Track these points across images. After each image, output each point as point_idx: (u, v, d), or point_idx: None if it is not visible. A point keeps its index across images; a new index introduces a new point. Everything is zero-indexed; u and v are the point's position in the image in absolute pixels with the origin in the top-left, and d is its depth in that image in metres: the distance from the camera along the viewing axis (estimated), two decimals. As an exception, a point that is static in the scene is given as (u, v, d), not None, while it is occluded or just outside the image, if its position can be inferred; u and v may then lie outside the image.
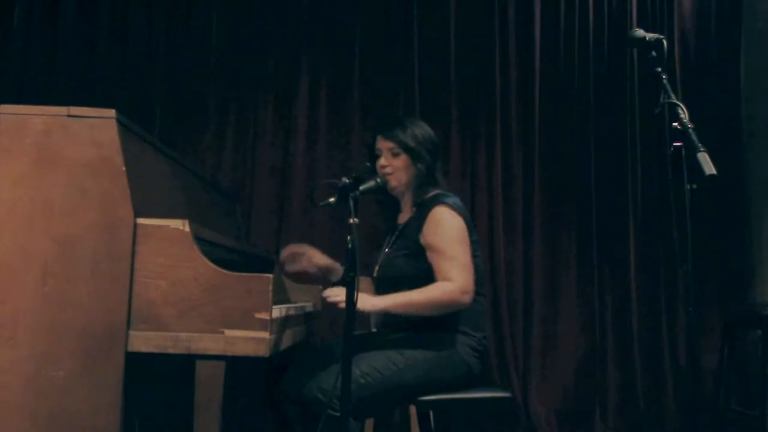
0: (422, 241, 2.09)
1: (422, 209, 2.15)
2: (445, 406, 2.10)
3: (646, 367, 3.47)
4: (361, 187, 1.93)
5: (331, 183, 1.99)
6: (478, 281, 2.19)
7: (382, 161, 2.18)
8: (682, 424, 3.38)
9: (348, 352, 1.69)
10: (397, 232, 2.23)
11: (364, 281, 2.28)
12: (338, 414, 1.77)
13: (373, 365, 1.97)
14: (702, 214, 3.40)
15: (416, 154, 2.16)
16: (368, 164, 2.05)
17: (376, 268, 2.22)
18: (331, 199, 1.90)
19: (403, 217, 2.27)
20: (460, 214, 2.12)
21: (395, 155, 2.17)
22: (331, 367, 1.96)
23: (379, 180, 2.05)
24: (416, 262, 2.10)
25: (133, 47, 3.40)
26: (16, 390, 1.66)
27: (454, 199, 2.16)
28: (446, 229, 2.08)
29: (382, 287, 2.19)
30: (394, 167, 2.17)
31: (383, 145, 2.19)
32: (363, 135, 3.42)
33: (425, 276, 2.06)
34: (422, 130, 2.21)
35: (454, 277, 2.01)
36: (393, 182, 2.18)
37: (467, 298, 2.02)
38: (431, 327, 2.10)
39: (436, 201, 2.13)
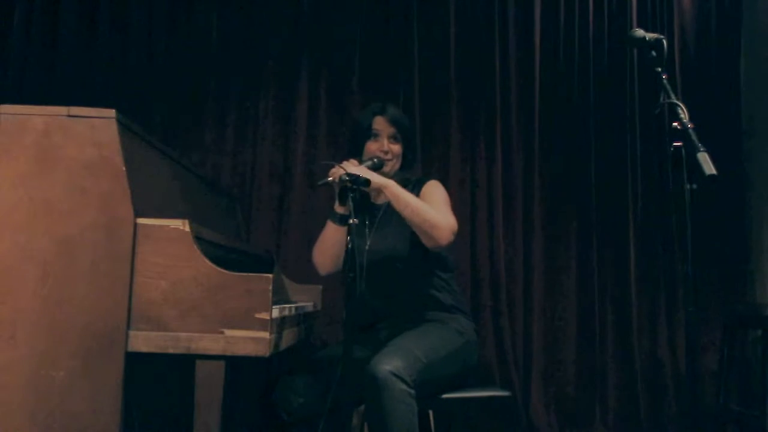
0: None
1: (414, 185, 2.24)
2: (445, 406, 2.10)
3: (646, 367, 3.47)
4: (362, 164, 2.06)
5: (329, 164, 2.06)
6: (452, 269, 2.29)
7: (384, 145, 2.21)
8: (682, 424, 3.38)
9: (348, 351, 1.69)
10: (380, 213, 2.26)
11: None
12: (412, 390, 1.81)
13: (430, 346, 1.97)
14: (702, 214, 3.40)
15: (410, 144, 2.28)
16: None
17: (366, 248, 2.19)
18: (330, 179, 1.97)
19: (380, 198, 2.28)
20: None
21: (395, 141, 2.22)
22: (402, 351, 1.92)
23: (376, 160, 2.11)
24: (408, 240, 2.14)
25: (133, 47, 3.40)
26: (16, 390, 1.66)
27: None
28: (441, 192, 2.21)
29: (376, 266, 2.15)
30: (393, 153, 2.23)
31: (385, 128, 2.23)
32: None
33: (418, 255, 2.11)
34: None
35: (448, 217, 2.09)
36: (389, 167, 2.23)
37: (450, 239, 2.06)
38: (434, 314, 2.12)
39: (428, 178, 2.27)
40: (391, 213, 2.20)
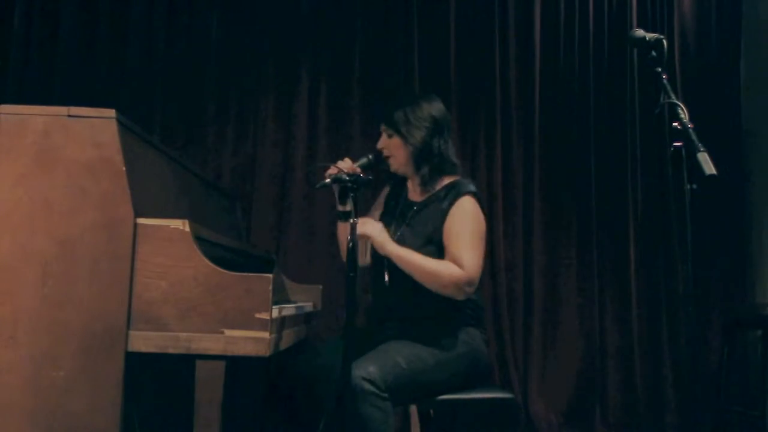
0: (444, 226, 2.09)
1: (446, 196, 2.13)
2: (446, 407, 2.10)
3: (646, 367, 3.47)
4: (355, 164, 1.96)
5: (326, 166, 2.03)
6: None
7: (379, 143, 2.21)
8: (682, 424, 3.38)
9: (348, 352, 1.69)
10: (411, 211, 2.20)
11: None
12: (384, 394, 1.82)
13: (416, 353, 1.97)
14: (702, 214, 3.40)
15: (404, 135, 2.15)
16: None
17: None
18: (327, 180, 1.94)
19: (415, 195, 2.25)
20: (483, 210, 2.15)
21: (389, 137, 2.20)
22: (382, 354, 1.94)
23: (371, 156, 2.08)
24: (434, 249, 2.09)
25: (133, 47, 3.40)
26: (16, 390, 1.66)
27: (473, 186, 2.17)
28: (471, 221, 2.09)
29: (390, 265, 2.14)
30: (389, 149, 2.19)
31: (382, 127, 2.23)
32: (363, 135, 3.43)
33: (439, 258, 2.07)
34: (419, 108, 2.18)
35: (466, 265, 2.01)
36: (393, 164, 2.21)
37: (467, 292, 2.03)
38: (443, 321, 2.10)
39: (464, 189, 2.13)
40: (422, 211, 2.17)
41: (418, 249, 2.09)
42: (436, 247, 2.10)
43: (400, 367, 1.90)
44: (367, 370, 1.85)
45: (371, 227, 2.02)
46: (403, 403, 2.02)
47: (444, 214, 2.11)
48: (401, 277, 2.13)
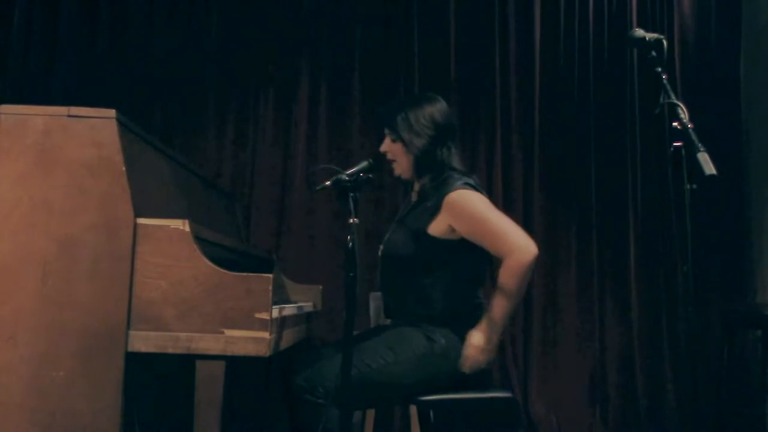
0: (446, 230, 2.03)
1: (431, 198, 2.07)
2: (446, 406, 2.09)
3: (646, 367, 3.47)
4: (354, 168, 1.91)
5: (327, 168, 2.01)
6: (480, 281, 2.19)
7: (382, 146, 2.18)
8: (682, 424, 3.38)
9: (348, 351, 1.69)
10: (408, 209, 2.20)
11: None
12: (320, 401, 1.85)
13: (362, 357, 1.93)
14: (702, 214, 3.40)
15: (406, 142, 2.11)
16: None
17: (381, 246, 2.19)
18: (327, 183, 1.89)
19: (415, 195, 2.23)
20: (472, 189, 2.05)
21: (393, 141, 2.15)
22: (325, 360, 1.96)
23: (371, 160, 2.03)
24: (414, 245, 2.06)
25: (133, 47, 3.40)
26: (16, 390, 1.66)
27: (462, 180, 2.06)
28: (470, 209, 2.01)
29: (384, 265, 2.15)
30: (393, 153, 2.16)
31: (386, 131, 2.18)
32: (363, 135, 3.43)
33: (423, 258, 2.04)
34: (421, 112, 2.12)
35: (507, 248, 1.96)
36: (396, 169, 2.18)
37: (533, 252, 1.95)
38: (428, 321, 2.07)
39: (444, 190, 2.04)
40: (415, 208, 2.14)
41: (402, 244, 2.07)
42: (414, 242, 2.05)
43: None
44: (305, 375, 1.88)
45: (474, 357, 2.01)
46: (359, 407, 2.04)
47: (430, 213, 2.04)
48: (389, 277, 2.12)
